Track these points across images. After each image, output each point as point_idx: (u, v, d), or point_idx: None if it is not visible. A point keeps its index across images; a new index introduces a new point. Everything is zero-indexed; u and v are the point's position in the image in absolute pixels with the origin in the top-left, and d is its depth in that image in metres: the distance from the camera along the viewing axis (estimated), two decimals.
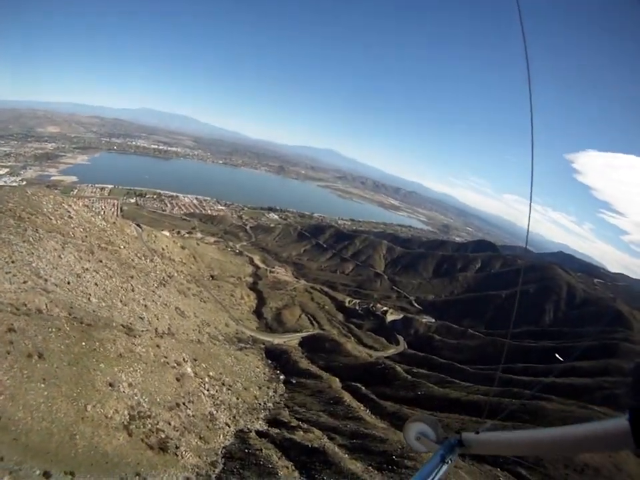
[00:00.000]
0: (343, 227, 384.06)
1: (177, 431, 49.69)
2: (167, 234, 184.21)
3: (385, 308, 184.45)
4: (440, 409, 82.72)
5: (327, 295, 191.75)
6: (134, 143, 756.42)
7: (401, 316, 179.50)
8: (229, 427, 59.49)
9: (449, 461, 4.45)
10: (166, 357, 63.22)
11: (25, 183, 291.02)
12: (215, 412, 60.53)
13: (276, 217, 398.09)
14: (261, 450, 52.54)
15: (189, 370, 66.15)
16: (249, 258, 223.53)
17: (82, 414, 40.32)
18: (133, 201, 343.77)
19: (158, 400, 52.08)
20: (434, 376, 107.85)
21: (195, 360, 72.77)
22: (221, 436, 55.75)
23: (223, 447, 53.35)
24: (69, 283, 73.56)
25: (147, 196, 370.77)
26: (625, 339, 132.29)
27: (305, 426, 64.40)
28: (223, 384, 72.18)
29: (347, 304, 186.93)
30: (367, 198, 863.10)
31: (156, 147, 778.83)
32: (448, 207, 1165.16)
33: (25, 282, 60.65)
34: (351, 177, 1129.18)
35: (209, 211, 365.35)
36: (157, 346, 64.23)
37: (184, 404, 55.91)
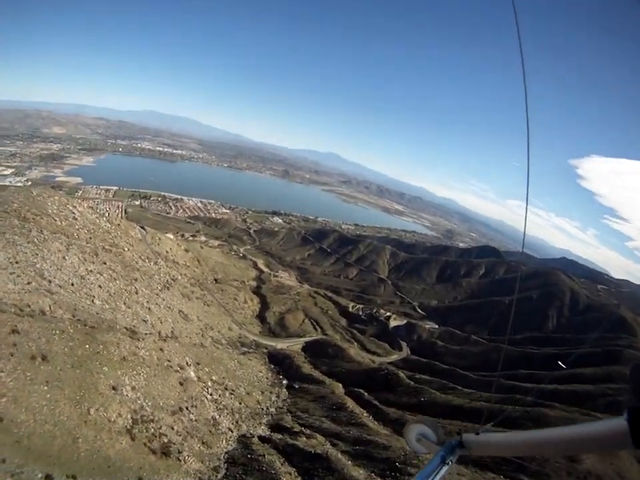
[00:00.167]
0: (346, 231, 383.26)
1: (180, 435, 49.52)
2: (171, 237, 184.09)
3: (388, 313, 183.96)
4: (442, 416, 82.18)
5: (331, 300, 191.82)
6: (139, 145, 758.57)
7: (404, 321, 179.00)
8: (232, 431, 59.28)
9: (450, 462, 4.50)
10: (169, 361, 63.11)
11: (30, 183, 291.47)
12: (217, 417, 60.34)
13: (280, 220, 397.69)
14: (264, 456, 52.32)
15: (192, 374, 66.02)
16: (252, 262, 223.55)
17: (85, 417, 40.19)
18: (137, 203, 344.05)
19: (161, 404, 51.93)
20: (437, 382, 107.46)
21: (198, 364, 72.60)
22: (224, 441, 55.55)
23: (226, 452, 53.15)
24: (72, 284, 73.49)
25: (151, 198, 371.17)
26: (629, 345, 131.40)
27: (308, 432, 64.17)
28: (226, 388, 72.00)
29: (350, 309, 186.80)
30: (371, 202, 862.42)
31: (161, 149, 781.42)
32: (452, 212, 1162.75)
33: (28, 283, 60.60)
34: (355, 182, 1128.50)
35: (214, 214, 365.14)
36: (161, 349, 64.13)
37: (187, 408, 55.76)
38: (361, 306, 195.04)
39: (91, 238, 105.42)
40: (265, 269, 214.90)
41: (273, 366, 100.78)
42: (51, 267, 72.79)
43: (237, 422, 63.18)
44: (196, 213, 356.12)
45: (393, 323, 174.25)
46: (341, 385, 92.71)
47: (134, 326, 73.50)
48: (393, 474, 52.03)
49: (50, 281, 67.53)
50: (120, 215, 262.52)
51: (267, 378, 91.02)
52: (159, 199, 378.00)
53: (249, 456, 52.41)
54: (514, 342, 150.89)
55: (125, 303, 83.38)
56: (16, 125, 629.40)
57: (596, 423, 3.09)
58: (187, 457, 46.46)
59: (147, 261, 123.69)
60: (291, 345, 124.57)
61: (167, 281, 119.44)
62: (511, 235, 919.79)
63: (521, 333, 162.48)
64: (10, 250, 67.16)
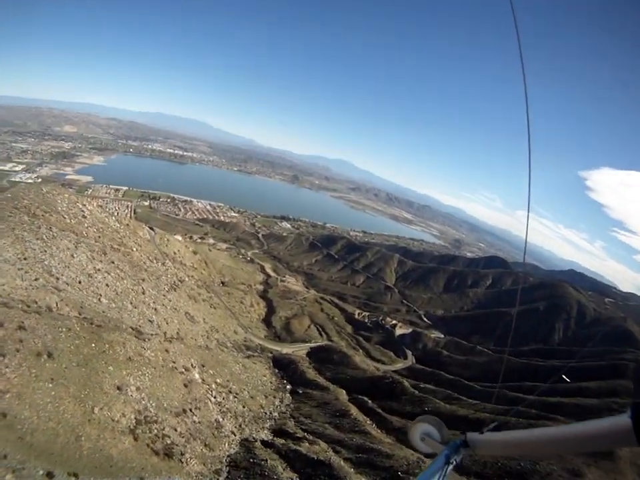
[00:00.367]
0: (355, 238, 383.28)
1: (183, 437, 49.33)
2: (180, 238, 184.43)
3: (394, 321, 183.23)
4: (447, 426, 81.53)
5: (337, 306, 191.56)
6: (150, 146, 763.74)
7: (410, 330, 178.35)
8: (235, 435, 59.06)
9: (454, 462, 4.62)
10: (174, 362, 63.00)
11: (40, 180, 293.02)
12: (221, 419, 60.14)
13: (288, 225, 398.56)
14: (266, 460, 52.00)
15: (197, 376, 65.90)
16: (260, 266, 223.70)
17: (89, 416, 40.10)
18: (146, 203, 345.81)
19: (165, 405, 51.79)
20: (441, 392, 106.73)
21: (203, 366, 72.49)
22: (226, 444, 55.31)
23: (228, 456, 52.90)
24: (80, 282, 73.60)
25: (160, 199, 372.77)
26: (635, 359, 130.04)
27: (311, 437, 63.84)
28: (230, 391, 71.80)
29: (356, 316, 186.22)
30: (379, 210, 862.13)
31: (171, 151, 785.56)
32: (460, 221, 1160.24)
33: (36, 279, 60.75)
34: (364, 189, 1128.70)
35: (222, 217, 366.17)
36: (166, 350, 64.06)
37: (190, 410, 55.59)
38: (367, 313, 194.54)
39: (99, 237, 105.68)
40: (272, 274, 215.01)
41: (277, 370, 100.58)
42: (59, 264, 72.98)
43: (240, 425, 62.95)
44: (205, 216, 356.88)
45: (399, 331, 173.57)
46: (344, 391, 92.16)
47: (140, 326, 73.50)
48: None
49: (57, 278, 67.67)
50: (129, 215, 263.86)
51: (271, 382, 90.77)
52: (168, 200, 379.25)
53: (251, 460, 52.12)
54: (520, 353, 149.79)
55: (131, 303, 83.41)
56: (28, 122, 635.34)
57: (600, 420, 3.15)
58: (189, 459, 46.25)
59: (154, 261, 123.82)
60: (296, 350, 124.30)
61: (174, 282, 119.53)
62: (519, 246, 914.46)
63: (527, 345, 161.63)
64: (19, 246, 67.40)
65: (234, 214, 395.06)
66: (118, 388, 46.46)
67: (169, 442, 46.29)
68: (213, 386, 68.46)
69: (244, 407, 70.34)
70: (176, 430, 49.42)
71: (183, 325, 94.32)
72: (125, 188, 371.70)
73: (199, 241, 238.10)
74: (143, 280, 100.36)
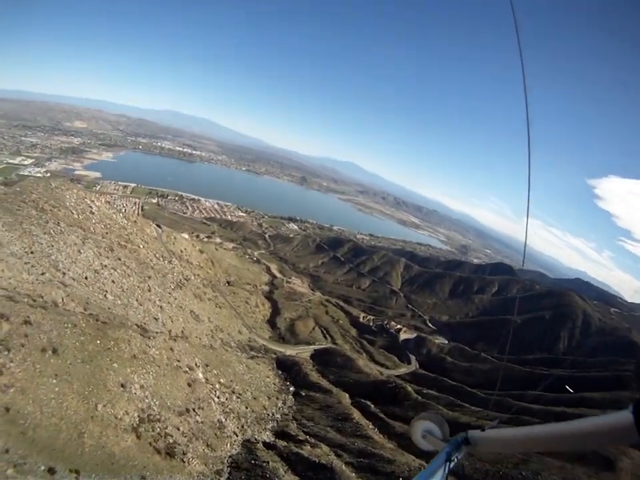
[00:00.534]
0: (361, 241, 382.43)
1: (185, 436, 49.21)
2: (187, 237, 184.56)
3: (398, 326, 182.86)
4: (449, 433, 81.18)
5: (342, 309, 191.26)
6: (159, 144, 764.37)
7: (414, 335, 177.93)
8: (237, 436, 58.92)
9: (455, 459, 4.65)
10: (179, 361, 62.93)
11: (49, 174, 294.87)
12: (223, 420, 60.00)
13: (295, 227, 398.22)
14: (268, 462, 51.86)
15: (201, 376, 65.79)
16: (266, 266, 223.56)
17: (92, 413, 40.06)
18: (154, 201, 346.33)
19: (168, 404, 51.69)
20: (444, 398, 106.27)
21: (207, 366, 72.37)
22: (228, 445, 55.18)
23: (230, 456, 52.77)
24: (86, 278, 73.79)
25: (168, 197, 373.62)
26: (639, 370, 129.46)
27: (313, 441, 63.67)
28: (233, 392, 71.65)
29: (361, 319, 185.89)
30: (387, 214, 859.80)
31: (180, 149, 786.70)
32: (467, 227, 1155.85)
33: (42, 274, 60.88)
34: (372, 192, 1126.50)
35: (229, 217, 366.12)
36: (171, 349, 63.99)
37: (194, 410, 55.48)
38: (372, 317, 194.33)
39: (107, 233, 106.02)
40: (278, 275, 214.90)
41: (280, 372, 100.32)
42: (65, 259, 73.16)
43: (242, 426, 62.80)
44: (212, 215, 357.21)
45: (403, 336, 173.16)
46: (347, 395, 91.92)
47: (145, 323, 73.50)
48: None
49: (64, 273, 67.83)
50: (137, 212, 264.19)
51: (274, 384, 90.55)
52: (176, 198, 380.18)
53: (252, 461, 51.99)
54: (524, 362, 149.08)
55: (137, 300, 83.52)
56: (38, 117, 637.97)
57: (602, 416, 3.14)
58: (190, 459, 46.15)
59: (161, 259, 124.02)
60: (300, 352, 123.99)
61: (180, 280, 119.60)
62: (526, 253, 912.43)
63: (532, 353, 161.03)
64: (26, 239, 67.57)
65: (241, 214, 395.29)
66: (122, 385, 46.41)
67: (171, 441, 46.20)
68: (217, 386, 68.34)
69: (247, 407, 70.18)
70: (178, 429, 49.32)
71: (187, 324, 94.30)
72: (133, 185, 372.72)
73: (205, 239, 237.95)
74: (149, 277, 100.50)
